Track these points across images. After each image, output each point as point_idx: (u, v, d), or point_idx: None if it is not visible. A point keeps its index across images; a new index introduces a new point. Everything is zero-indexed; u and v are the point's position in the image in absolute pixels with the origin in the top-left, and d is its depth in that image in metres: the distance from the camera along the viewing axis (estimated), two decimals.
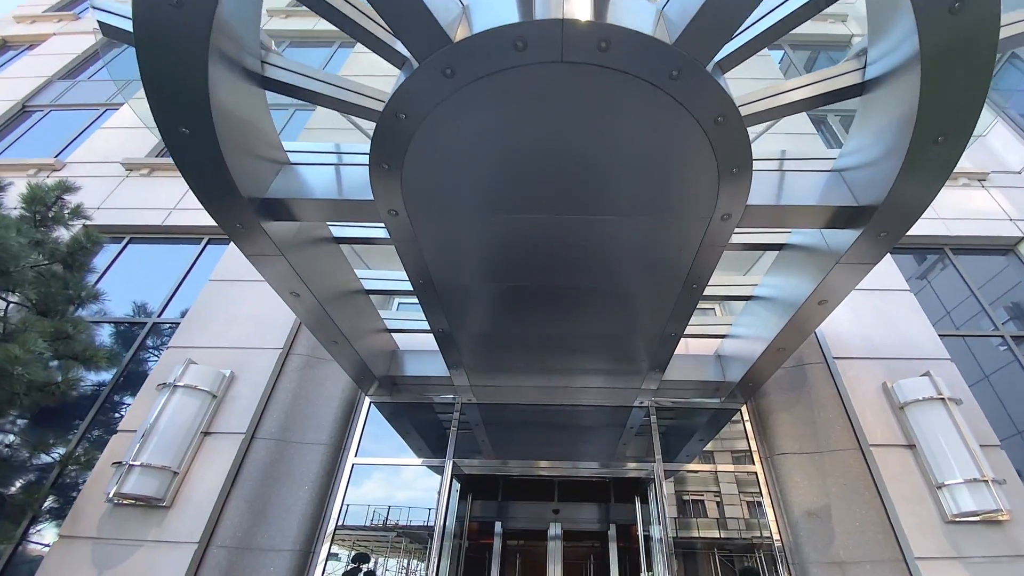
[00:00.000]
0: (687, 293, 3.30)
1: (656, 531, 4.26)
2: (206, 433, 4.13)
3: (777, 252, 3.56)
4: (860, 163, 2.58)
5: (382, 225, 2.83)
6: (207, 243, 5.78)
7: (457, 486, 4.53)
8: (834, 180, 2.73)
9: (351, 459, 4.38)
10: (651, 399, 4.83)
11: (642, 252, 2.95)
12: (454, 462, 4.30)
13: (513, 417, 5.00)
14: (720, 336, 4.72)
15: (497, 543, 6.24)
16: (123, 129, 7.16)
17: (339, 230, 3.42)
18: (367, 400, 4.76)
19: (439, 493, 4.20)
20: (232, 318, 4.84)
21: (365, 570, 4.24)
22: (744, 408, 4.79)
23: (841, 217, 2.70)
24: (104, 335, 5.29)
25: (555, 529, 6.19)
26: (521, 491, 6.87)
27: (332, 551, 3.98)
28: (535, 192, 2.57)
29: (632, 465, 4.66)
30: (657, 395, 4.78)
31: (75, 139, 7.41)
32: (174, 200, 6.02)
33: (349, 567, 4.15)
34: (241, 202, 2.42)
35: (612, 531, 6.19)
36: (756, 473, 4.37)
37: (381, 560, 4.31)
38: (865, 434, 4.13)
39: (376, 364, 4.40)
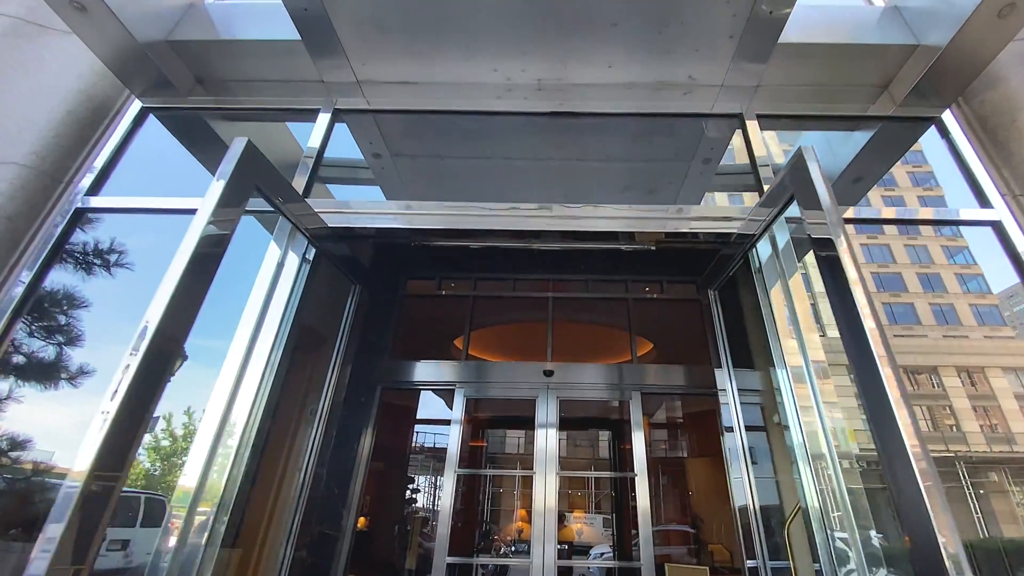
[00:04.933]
0: None
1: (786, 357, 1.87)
2: None
3: None
4: None
5: None
6: None
7: (309, 255, 1.98)
8: None
9: (78, 199, 1.97)
10: (747, 103, 2.30)
11: None
12: (291, 209, 1.72)
13: (454, 146, 2.50)
14: None
15: (455, 432, 3.88)
16: None
17: None
18: (138, 105, 2.27)
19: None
20: None
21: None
22: (946, 116, 2.26)
23: None
24: None
25: (548, 405, 3.85)
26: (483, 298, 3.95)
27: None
28: None
29: (723, 216, 2.12)
30: (759, 94, 2.26)
31: None
32: None
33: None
34: None
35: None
36: (1000, 222, 1.91)
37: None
38: None
39: (142, 22, 1.91)
